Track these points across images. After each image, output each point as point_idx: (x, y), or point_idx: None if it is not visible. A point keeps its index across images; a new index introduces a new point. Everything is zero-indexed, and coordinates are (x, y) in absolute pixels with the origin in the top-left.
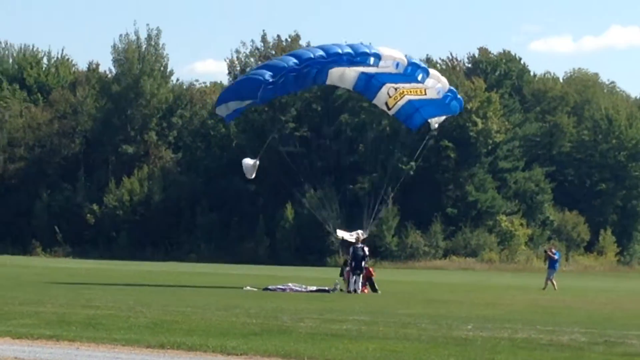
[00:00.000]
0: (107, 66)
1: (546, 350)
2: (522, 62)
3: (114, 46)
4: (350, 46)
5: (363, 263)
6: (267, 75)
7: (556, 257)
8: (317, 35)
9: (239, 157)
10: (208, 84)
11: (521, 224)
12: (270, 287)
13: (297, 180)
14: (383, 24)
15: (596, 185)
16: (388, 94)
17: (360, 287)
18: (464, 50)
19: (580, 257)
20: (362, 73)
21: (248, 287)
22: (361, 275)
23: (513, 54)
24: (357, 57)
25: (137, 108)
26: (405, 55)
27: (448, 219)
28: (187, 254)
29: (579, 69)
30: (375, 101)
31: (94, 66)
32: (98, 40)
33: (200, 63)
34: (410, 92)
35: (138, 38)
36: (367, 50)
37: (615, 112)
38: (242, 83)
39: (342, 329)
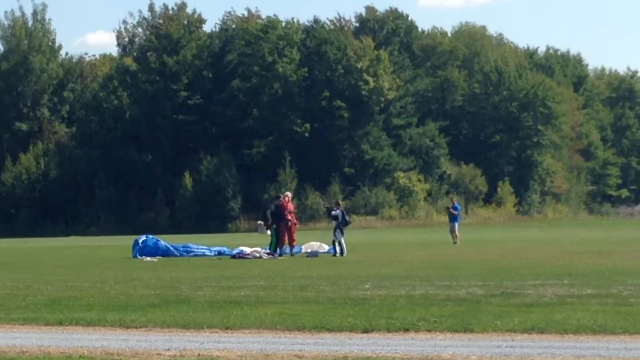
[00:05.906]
0: None
1: (444, 306)
2: (409, 18)
3: (0, 23)
4: None
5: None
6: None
7: (456, 212)
8: (202, 3)
9: (133, 129)
10: (98, 56)
11: (419, 180)
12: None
13: (192, 148)
14: None
15: (490, 137)
16: None
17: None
18: (351, 10)
19: (479, 209)
20: None
21: (148, 258)
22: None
23: (400, 11)
24: None
25: (28, 84)
26: None
27: (346, 179)
28: (87, 227)
29: (467, 22)
30: None
31: None
32: None
33: (92, 35)
34: None
35: (24, 14)
36: None
37: (505, 64)
38: None
39: (241, 296)
